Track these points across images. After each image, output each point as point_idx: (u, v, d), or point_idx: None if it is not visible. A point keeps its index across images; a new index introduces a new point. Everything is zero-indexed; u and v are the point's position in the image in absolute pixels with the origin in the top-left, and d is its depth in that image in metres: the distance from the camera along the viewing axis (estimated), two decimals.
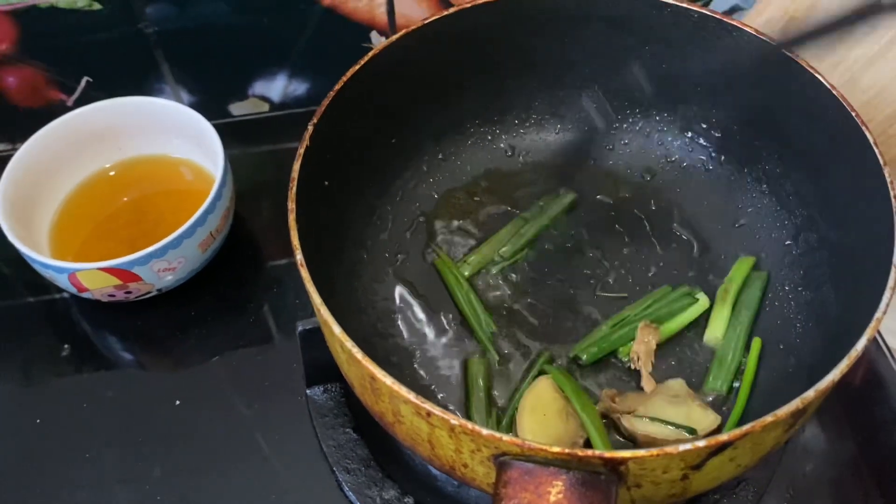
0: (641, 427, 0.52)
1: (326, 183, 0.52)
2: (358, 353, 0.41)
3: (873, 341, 0.63)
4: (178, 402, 0.61)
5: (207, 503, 0.56)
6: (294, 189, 0.46)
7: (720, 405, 0.55)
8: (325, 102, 0.50)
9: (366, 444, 0.57)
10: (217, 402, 0.61)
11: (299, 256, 0.44)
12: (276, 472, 0.57)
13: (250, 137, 0.81)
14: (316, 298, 0.42)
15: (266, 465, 0.58)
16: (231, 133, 0.80)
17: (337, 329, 0.41)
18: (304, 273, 0.43)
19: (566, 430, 0.52)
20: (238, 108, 0.83)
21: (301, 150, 0.48)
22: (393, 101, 0.58)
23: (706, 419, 0.52)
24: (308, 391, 0.59)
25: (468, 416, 0.54)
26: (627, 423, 0.52)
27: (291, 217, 0.45)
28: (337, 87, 0.51)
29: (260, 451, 0.58)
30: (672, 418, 0.51)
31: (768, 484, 0.55)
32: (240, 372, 0.63)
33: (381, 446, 0.57)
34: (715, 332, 0.57)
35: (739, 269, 0.60)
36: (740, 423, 0.53)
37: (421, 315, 0.59)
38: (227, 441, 0.59)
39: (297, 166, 0.47)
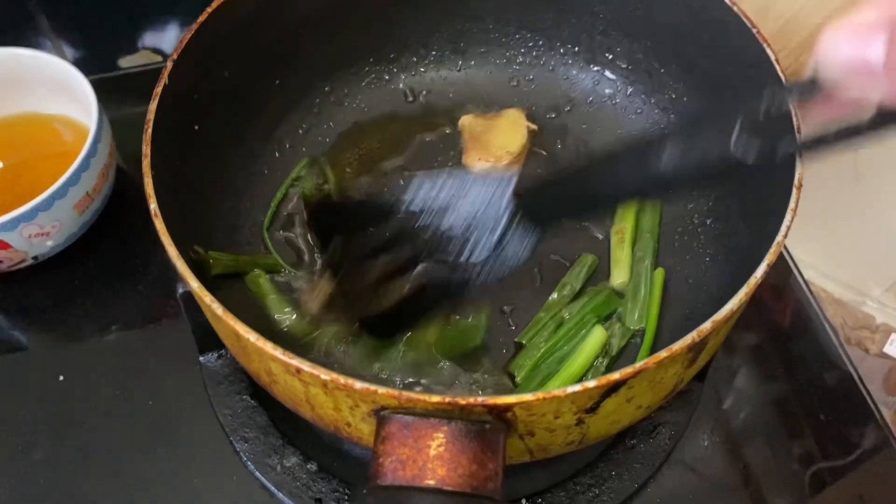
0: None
1: (196, 127, 0.48)
2: (219, 309, 0.37)
3: (796, 281, 0.61)
4: (62, 378, 0.57)
5: (96, 483, 0.53)
6: (149, 131, 0.42)
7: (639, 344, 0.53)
8: (187, 37, 0.46)
9: (264, 410, 0.54)
10: (105, 375, 0.57)
11: (153, 207, 0.39)
12: (170, 445, 0.54)
13: (142, 92, 0.74)
14: (172, 251, 0.38)
15: (159, 440, 0.54)
16: (121, 88, 0.75)
17: (195, 284, 0.37)
18: (159, 225, 0.39)
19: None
20: (128, 63, 0.77)
21: (158, 90, 0.43)
22: (272, 36, 0.53)
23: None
24: (201, 358, 0.55)
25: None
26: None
27: (146, 162, 0.40)
28: (201, 18, 0.47)
29: (153, 425, 0.55)
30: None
31: (686, 426, 0.54)
32: (130, 342, 0.59)
33: (281, 412, 0.53)
34: (619, 276, 0.55)
35: (627, 208, 0.57)
36: None
37: (313, 267, 0.55)
38: (117, 416, 0.55)
39: (153, 106, 0.43)
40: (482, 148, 0.57)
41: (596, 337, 0.52)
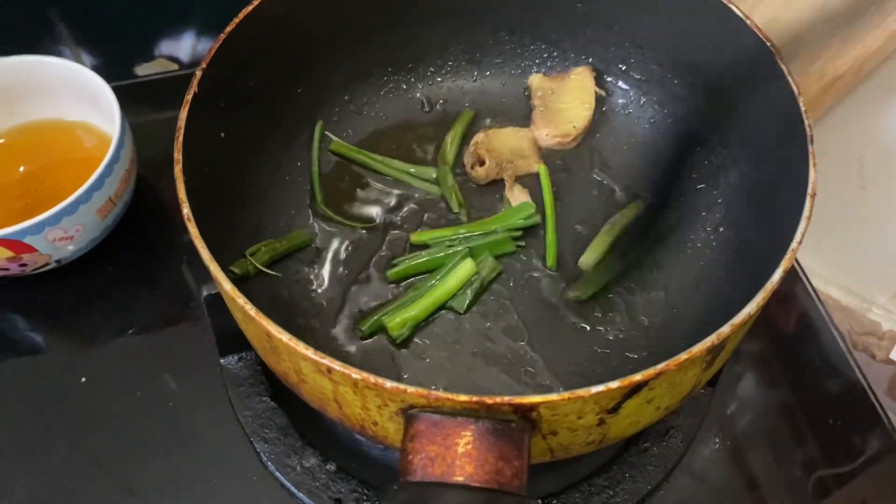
0: None
1: (223, 135, 0.49)
2: (251, 310, 0.38)
3: (803, 288, 0.62)
4: (83, 380, 0.58)
5: (117, 483, 0.53)
6: (181, 138, 0.43)
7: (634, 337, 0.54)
8: (215, 46, 0.47)
9: (284, 411, 0.54)
10: (126, 377, 0.58)
11: (186, 211, 0.40)
12: (191, 447, 0.55)
13: (160, 100, 0.76)
14: (205, 254, 0.39)
15: (180, 441, 0.55)
16: (138, 96, 0.76)
17: (228, 286, 0.38)
18: (193, 229, 0.40)
19: None
20: (145, 70, 0.78)
21: (188, 97, 0.44)
22: (295, 46, 0.55)
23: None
24: (222, 360, 0.56)
25: None
26: None
27: (178, 168, 0.41)
28: (228, 28, 0.48)
29: (174, 426, 0.55)
30: None
31: (698, 430, 0.55)
32: (150, 346, 0.60)
33: (300, 413, 0.54)
34: (588, 257, 0.57)
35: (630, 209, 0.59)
36: None
37: (333, 274, 0.56)
38: (138, 418, 0.56)
39: (183, 114, 0.44)
40: (550, 120, 0.58)
41: (466, 268, 0.55)
